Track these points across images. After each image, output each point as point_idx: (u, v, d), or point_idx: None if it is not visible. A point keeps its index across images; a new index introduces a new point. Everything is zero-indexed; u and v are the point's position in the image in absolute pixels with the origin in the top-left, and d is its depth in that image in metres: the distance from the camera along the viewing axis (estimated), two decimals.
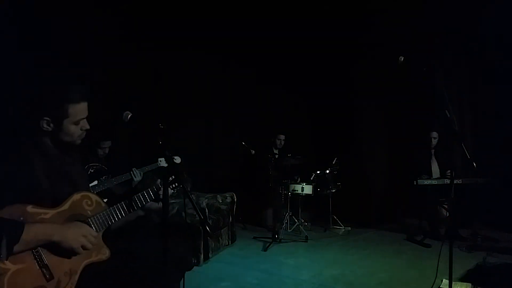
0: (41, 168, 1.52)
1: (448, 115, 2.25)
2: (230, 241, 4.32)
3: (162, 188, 1.74)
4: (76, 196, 1.57)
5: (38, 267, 1.40)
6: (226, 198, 4.37)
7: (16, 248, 1.34)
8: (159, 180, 1.73)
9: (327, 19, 5.71)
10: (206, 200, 4.11)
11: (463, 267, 3.35)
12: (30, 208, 1.43)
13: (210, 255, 3.74)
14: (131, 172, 3.23)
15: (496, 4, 4.62)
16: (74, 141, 1.62)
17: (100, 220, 1.60)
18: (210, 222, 3.83)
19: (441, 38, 5.10)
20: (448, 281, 2.25)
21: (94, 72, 3.83)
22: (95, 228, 1.58)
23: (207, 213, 3.86)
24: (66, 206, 1.53)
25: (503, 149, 4.77)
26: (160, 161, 3.28)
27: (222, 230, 4.14)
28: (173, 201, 3.79)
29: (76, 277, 1.48)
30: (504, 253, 3.73)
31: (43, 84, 1.57)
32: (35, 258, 1.40)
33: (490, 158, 4.61)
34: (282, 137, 5.54)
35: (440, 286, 2.87)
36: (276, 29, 5.71)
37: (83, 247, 1.48)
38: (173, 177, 1.67)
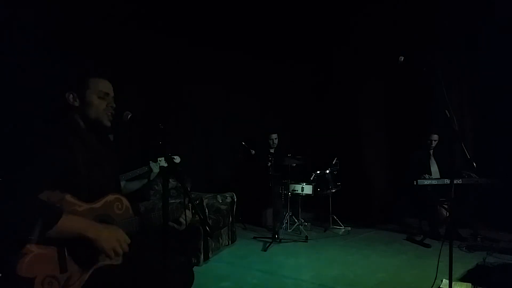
0: (80, 156, 1.53)
1: (448, 115, 2.25)
2: (230, 241, 4.32)
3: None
4: (110, 197, 1.59)
5: (57, 258, 1.39)
6: (226, 198, 4.36)
7: (49, 234, 1.32)
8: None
9: (327, 18, 5.72)
10: (206, 200, 4.11)
11: (463, 267, 3.35)
12: (68, 197, 1.44)
13: (210, 255, 3.75)
14: (149, 165, 3.16)
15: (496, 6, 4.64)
16: (100, 118, 1.63)
17: (124, 226, 1.59)
18: (210, 222, 3.83)
19: (441, 39, 5.10)
20: (448, 281, 2.25)
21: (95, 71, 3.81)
22: None
23: (207, 213, 3.85)
24: (99, 204, 1.54)
25: (503, 149, 4.77)
26: (160, 160, 3.27)
27: (222, 230, 4.14)
28: (173, 201, 3.79)
29: (86, 276, 1.47)
30: (504, 253, 3.72)
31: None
32: (57, 248, 1.39)
33: (490, 158, 4.61)
34: (274, 136, 5.52)
35: (440, 286, 2.87)
36: (275, 25, 5.71)
37: (114, 251, 1.45)
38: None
